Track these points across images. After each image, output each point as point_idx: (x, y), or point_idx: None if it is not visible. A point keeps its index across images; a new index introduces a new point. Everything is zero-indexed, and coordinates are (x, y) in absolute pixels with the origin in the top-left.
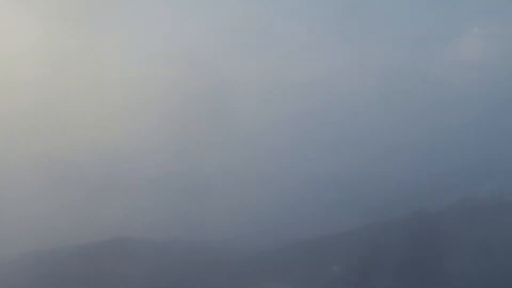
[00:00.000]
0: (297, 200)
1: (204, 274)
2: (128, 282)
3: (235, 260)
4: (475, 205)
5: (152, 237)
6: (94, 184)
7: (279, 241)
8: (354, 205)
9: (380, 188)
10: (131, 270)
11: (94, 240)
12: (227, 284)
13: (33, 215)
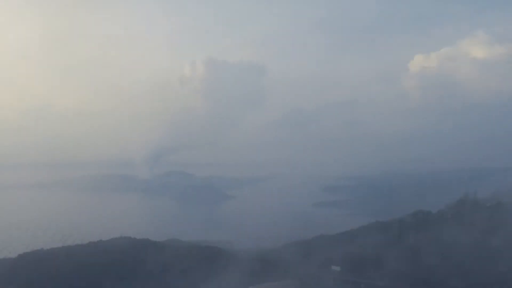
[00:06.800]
0: (298, 200)
1: (204, 273)
2: (128, 281)
3: (235, 260)
4: (475, 205)
5: (152, 237)
6: (95, 185)
7: (279, 241)
8: (354, 205)
9: (381, 188)
10: (131, 269)
11: (94, 240)
12: (227, 283)
13: (33, 215)
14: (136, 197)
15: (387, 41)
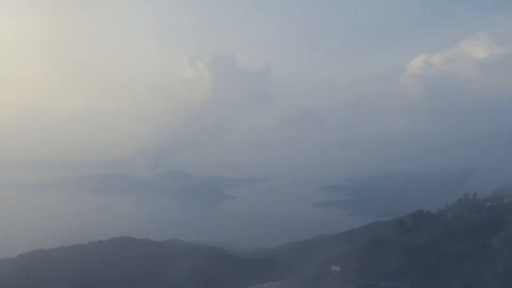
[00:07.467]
0: (298, 201)
1: (204, 273)
2: (128, 281)
3: (235, 260)
4: (475, 205)
5: (152, 237)
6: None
7: (279, 241)
8: (354, 205)
9: (381, 188)
10: (131, 269)
11: (94, 240)
12: (227, 283)
13: (33, 215)
14: (136, 197)
15: (389, 42)
